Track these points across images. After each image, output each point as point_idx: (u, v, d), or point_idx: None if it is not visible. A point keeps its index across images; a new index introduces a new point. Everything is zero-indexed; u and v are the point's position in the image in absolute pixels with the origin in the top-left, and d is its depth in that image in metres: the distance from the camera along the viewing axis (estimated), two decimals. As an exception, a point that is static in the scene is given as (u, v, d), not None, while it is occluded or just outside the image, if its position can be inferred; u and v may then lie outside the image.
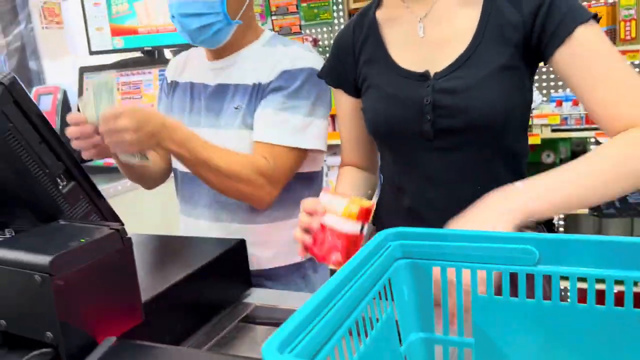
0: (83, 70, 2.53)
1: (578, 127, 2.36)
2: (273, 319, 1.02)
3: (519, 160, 0.97)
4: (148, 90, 2.49)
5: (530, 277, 0.58)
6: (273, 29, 2.80)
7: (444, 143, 0.92)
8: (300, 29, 2.78)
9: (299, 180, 1.28)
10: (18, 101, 0.71)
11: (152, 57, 2.66)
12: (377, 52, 1.00)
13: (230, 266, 1.06)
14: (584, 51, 0.83)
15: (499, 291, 0.59)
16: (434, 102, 0.90)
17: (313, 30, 3.12)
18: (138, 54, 2.70)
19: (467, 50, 0.89)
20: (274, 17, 2.78)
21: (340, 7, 3.05)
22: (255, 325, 1.02)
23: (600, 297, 0.54)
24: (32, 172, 0.74)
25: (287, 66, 1.20)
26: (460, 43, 0.90)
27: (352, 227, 0.81)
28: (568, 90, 2.73)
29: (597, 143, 2.39)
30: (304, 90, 1.20)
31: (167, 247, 1.09)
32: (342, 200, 0.83)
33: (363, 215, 0.82)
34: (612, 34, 2.35)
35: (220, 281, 1.03)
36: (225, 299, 1.04)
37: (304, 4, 2.79)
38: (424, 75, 0.93)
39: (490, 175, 0.93)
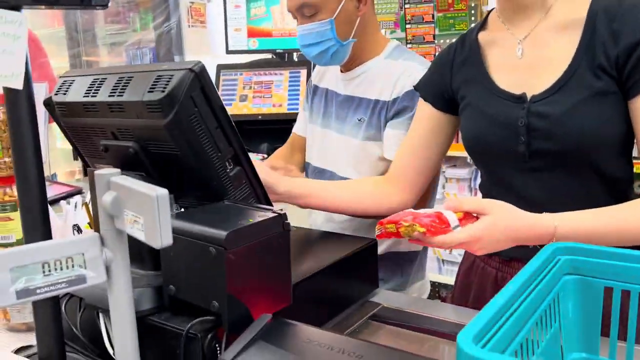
0: (220, 68, 2.70)
1: None
2: (399, 320, 1.04)
3: (620, 186, 0.96)
4: (278, 91, 2.61)
5: None
6: (406, 38, 2.81)
7: (537, 164, 0.96)
8: (434, 38, 2.78)
9: None
10: (204, 88, 0.78)
11: (283, 60, 2.78)
12: (477, 72, 1.05)
13: (362, 263, 1.08)
14: None
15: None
16: (528, 125, 0.94)
17: (447, 40, 3.10)
18: (270, 56, 2.84)
19: (563, 75, 0.91)
20: (408, 26, 2.80)
21: (473, 18, 3.00)
22: (382, 324, 1.03)
23: None
24: (208, 153, 0.81)
25: (409, 86, 1.27)
26: (557, 68, 0.93)
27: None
28: None
29: None
30: None
31: (308, 240, 1.14)
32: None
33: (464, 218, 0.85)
34: None
35: (351, 277, 1.05)
36: (354, 295, 1.07)
37: (440, 14, 2.78)
38: (521, 98, 0.96)
39: (586, 198, 0.93)
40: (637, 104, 0.88)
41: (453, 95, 1.11)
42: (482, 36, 1.08)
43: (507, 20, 1.02)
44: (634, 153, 0.99)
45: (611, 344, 0.59)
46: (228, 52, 2.80)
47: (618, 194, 0.95)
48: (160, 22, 2.87)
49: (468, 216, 0.85)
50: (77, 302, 0.84)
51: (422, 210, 0.85)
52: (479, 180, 2.85)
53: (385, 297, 1.12)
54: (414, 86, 1.22)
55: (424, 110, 1.16)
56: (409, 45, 2.88)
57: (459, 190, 2.91)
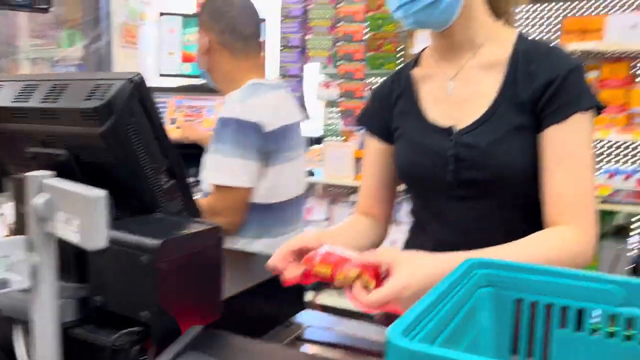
0: (152, 90, 2.67)
1: (629, 201, 2.36)
2: (325, 339, 1.05)
3: (535, 213, 1.01)
4: (209, 116, 2.61)
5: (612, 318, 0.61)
6: (338, 74, 2.93)
7: (464, 192, 1.02)
8: (364, 75, 2.90)
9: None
10: (143, 99, 0.79)
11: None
12: (410, 105, 1.11)
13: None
14: (569, 141, 0.93)
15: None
16: (456, 155, 1.01)
17: (378, 79, 3.26)
18: (203, 81, 2.84)
19: (488, 110, 1.00)
20: (340, 63, 2.91)
21: (402, 60, 3.18)
22: (306, 343, 1.05)
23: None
24: (142, 164, 0.81)
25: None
26: (483, 103, 1.01)
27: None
28: (620, 163, 2.74)
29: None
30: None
31: (238, 260, 1.14)
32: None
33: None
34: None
35: (278, 297, 1.06)
36: (280, 316, 1.07)
37: (370, 54, 2.92)
38: (449, 130, 1.03)
39: (505, 224, 1.02)
40: (544, 136, 0.96)
41: (390, 125, 1.16)
42: (415, 72, 1.14)
43: (440, 58, 1.10)
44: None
45: (521, 350, 0.64)
46: (161, 75, 2.78)
47: (535, 221, 1.01)
48: (90, 40, 2.81)
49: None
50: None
51: (340, 252, 0.81)
52: (401, 212, 2.95)
53: (311, 317, 1.14)
54: (356, 120, 1.28)
55: (373, 145, 1.19)
56: (340, 80, 2.99)
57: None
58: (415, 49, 2.89)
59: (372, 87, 3.25)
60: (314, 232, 0.97)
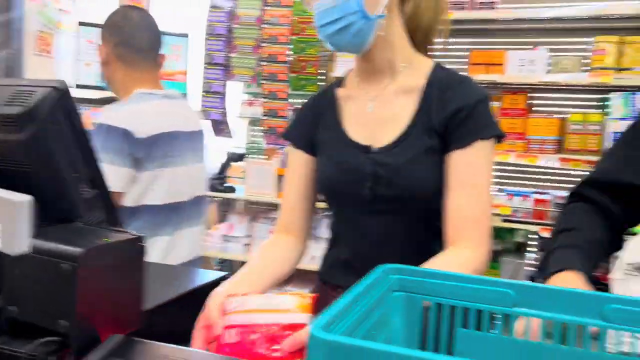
0: (66, 101, 2.57)
1: (525, 220, 2.57)
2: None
3: (440, 228, 1.09)
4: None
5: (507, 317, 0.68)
6: (262, 93, 2.97)
7: (379, 207, 1.09)
8: (287, 95, 2.96)
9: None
10: (66, 107, 0.78)
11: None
12: (333, 122, 1.18)
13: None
14: (471, 165, 1.03)
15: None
16: (373, 172, 1.08)
17: (298, 100, 3.34)
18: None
19: (404, 132, 1.08)
20: (263, 82, 2.96)
21: (322, 82, 3.28)
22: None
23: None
24: (64, 173, 0.80)
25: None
26: (399, 125, 1.09)
27: (306, 319, 0.83)
28: (519, 186, 2.97)
29: (541, 238, 2.59)
30: None
31: (161, 272, 1.14)
32: (282, 297, 0.87)
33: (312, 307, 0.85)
34: (560, 144, 2.64)
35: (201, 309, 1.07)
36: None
37: (293, 75, 2.99)
38: (367, 148, 1.11)
39: (416, 237, 1.10)
40: (448, 158, 1.05)
41: (314, 138, 1.21)
42: (340, 91, 1.21)
43: (362, 80, 1.17)
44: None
45: (428, 346, 0.69)
46: (78, 86, 2.69)
47: (439, 231, 1.09)
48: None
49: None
50: None
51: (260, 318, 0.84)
52: (320, 229, 3.00)
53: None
54: (281, 135, 1.33)
55: (298, 157, 1.23)
56: (264, 99, 3.03)
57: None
58: (336, 72, 3.00)
59: (295, 107, 3.33)
60: (227, 287, 0.96)
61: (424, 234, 1.11)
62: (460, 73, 1.15)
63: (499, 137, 1.07)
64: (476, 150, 1.03)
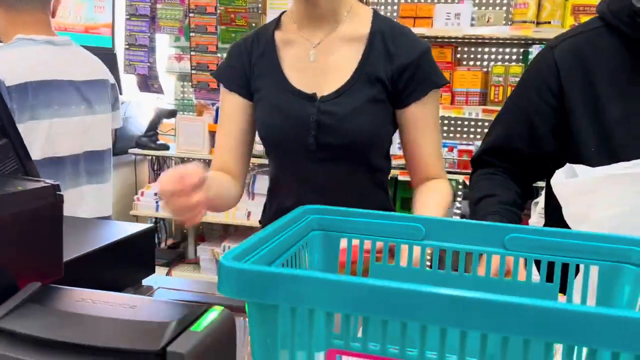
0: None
1: (451, 170, 2.68)
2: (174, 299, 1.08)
3: (382, 177, 1.20)
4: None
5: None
6: (190, 46, 2.88)
7: (323, 155, 1.11)
8: (217, 48, 2.89)
9: None
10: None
11: None
12: (271, 68, 1.15)
13: (139, 248, 1.10)
14: (427, 114, 1.11)
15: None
16: (319, 121, 1.09)
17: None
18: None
19: (348, 81, 1.10)
20: (192, 34, 2.87)
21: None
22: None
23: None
24: (-31, 121, 0.77)
25: None
26: (343, 74, 1.10)
27: None
28: (445, 137, 3.07)
29: (465, 185, 2.71)
30: None
31: (87, 225, 1.12)
32: None
33: None
34: (484, 96, 2.75)
35: (127, 260, 1.07)
36: (129, 279, 1.08)
37: (223, 27, 2.91)
38: (312, 97, 1.10)
39: (359, 185, 1.14)
40: (407, 111, 1.10)
41: (249, 84, 1.17)
42: (277, 35, 1.17)
43: (302, 26, 1.14)
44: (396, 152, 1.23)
45: None
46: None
47: (381, 181, 1.19)
48: None
49: None
50: None
51: None
52: (257, 185, 3.01)
53: (162, 280, 1.16)
54: (212, 74, 1.27)
55: (231, 101, 1.18)
56: (192, 53, 2.95)
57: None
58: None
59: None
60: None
61: (367, 183, 1.16)
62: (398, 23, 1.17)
63: (445, 84, 1.15)
64: (430, 99, 1.11)
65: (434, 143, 1.13)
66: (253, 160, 2.99)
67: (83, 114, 1.68)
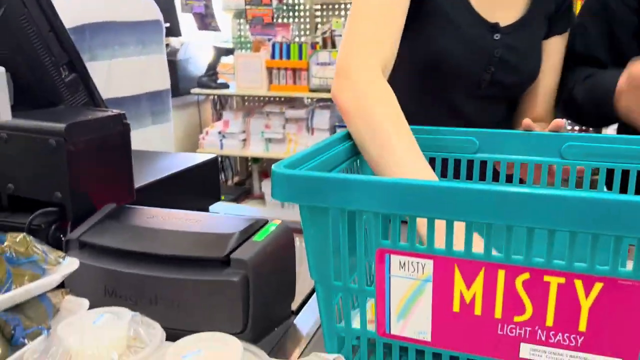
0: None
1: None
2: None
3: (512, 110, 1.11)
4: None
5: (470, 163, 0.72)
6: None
7: (489, 92, 1.01)
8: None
9: None
10: (33, -11, 0.78)
11: None
12: None
13: (204, 176, 1.16)
14: (561, 51, 1.04)
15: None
16: (501, 56, 0.98)
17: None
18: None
19: (525, 14, 0.99)
20: (247, 7, 2.86)
21: None
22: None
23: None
24: (40, 56, 0.82)
25: None
26: (518, 6, 1.00)
27: None
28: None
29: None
30: None
31: (153, 157, 1.18)
32: None
33: None
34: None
35: (194, 188, 1.13)
36: (197, 205, 1.14)
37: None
38: (495, 27, 0.98)
39: (502, 121, 1.06)
40: (550, 43, 1.03)
41: None
42: None
43: None
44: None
45: None
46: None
47: (512, 119, 1.10)
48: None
49: None
50: None
51: None
52: (315, 120, 3.03)
53: (227, 207, 1.23)
54: None
55: None
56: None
57: (297, 130, 3.08)
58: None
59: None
60: None
61: (506, 121, 1.09)
62: None
63: None
64: (566, 37, 1.05)
65: (556, 83, 1.06)
66: (311, 94, 3.01)
67: (139, 54, 1.72)
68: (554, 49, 1.05)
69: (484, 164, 0.72)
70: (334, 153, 0.65)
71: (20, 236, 0.53)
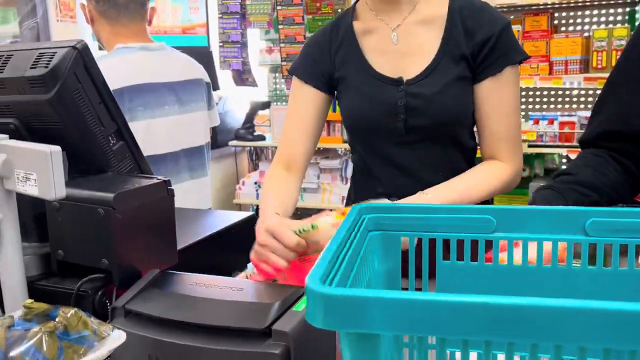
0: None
1: (552, 144, 2.55)
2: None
3: (472, 155, 1.19)
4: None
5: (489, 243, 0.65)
6: (279, 37, 2.97)
7: (412, 138, 1.12)
8: (304, 38, 2.95)
9: None
10: (87, 65, 0.83)
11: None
12: (353, 56, 1.16)
13: (240, 235, 1.18)
14: (502, 91, 1.08)
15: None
16: (407, 104, 1.09)
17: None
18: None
19: (432, 62, 1.10)
20: (280, 27, 2.95)
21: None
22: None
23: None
24: (91, 128, 0.86)
25: None
26: (426, 56, 1.10)
27: None
28: (545, 110, 2.93)
29: (569, 159, 2.57)
30: None
31: (190, 215, 1.21)
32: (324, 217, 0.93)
33: None
34: (586, 63, 2.58)
35: (231, 247, 1.15)
36: (236, 263, 1.16)
37: (310, 16, 2.97)
38: (398, 81, 1.11)
39: (450, 165, 1.13)
40: (481, 87, 1.09)
41: (331, 76, 1.18)
42: (356, 25, 1.18)
43: (379, 11, 1.15)
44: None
45: (410, 284, 0.66)
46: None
47: (469, 159, 1.18)
48: (25, 16, 2.74)
49: None
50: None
51: None
52: (349, 170, 3.06)
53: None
54: (288, 71, 1.27)
55: (305, 93, 1.19)
56: (282, 45, 3.03)
57: (332, 179, 3.11)
58: (353, 10, 2.96)
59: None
60: (270, 220, 0.98)
61: (459, 162, 1.16)
62: None
63: (524, 59, 1.12)
64: (506, 76, 1.08)
65: (508, 124, 1.09)
66: (345, 145, 3.04)
67: (177, 113, 1.79)
68: (489, 91, 1.09)
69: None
70: (353, 246, 0.56)
71: (71, 311, 0.55)
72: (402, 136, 1.12)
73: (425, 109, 1.09)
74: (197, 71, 1.90)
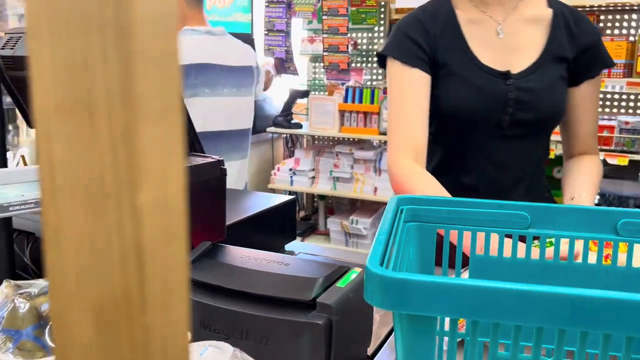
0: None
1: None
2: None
3: (548, 151, 1.26)
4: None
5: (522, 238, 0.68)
6: (322, 28, 3.01)
7: (512, 132, 1.14)
8: (347, 30, 2.98)
9: None
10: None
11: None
12: (457, 45, 1.14)
13: (282, 216, 1.24)
14: (594, 92, 1.18)
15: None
16: (517, 98, 1.12)
17: (358, 34, 3.35)
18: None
19: (538, 59, 1.14)
20: (324, 17, 2.99)
21: (382, 16, 3.26)
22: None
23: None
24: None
25: None
26: (531, 52, 1.14)
27: None
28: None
29: (606, 163, 2.55)
30: None
31: (238, 195, 1.27)
32: None
33: None
34: (630, 67, 2.55)
35: (273, 227, 1.21)
36: (276, 243, 1.22)
37: (354, 8, 3.00)
38: (506, 74, 1.13)
39: (535, 160, 1.20)
40: (581, 88, 1.17)
41: (432, 59, 1.14)
42: (459, 13, 1.17)
43: (483, 3, 1.15)
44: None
45: (443, 271, 0.69)
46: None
47: (545, 155, 1.25)
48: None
49: None
50: (26, 237, 0.93)
51: None
52: (383, 162, 3.09)
53: (301, 246, 1.29)
54: (380, 53, 1.19)
55: (412, 76, 1.13)
56: (324, 35, 3.07)
57: (365, 170, 3.14)
58: (396, 4, 2.97)
59: (355, 42, 3.35)
60: None
61: (542, 151, 1.23)
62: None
63: (613, 65, 1.23)
64: (597, 79, 1.19)
65: (596, 120, 1.21)
66: (380, 137, 3.08)
67: (234, 95, 1.94)
68: (586, 93, 1.17)
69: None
70: (398, 235, 0.59)
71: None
72: (503, 129, 1.13)
73: (534, 104, 1.12)
74: (253, 59, 2.05)
